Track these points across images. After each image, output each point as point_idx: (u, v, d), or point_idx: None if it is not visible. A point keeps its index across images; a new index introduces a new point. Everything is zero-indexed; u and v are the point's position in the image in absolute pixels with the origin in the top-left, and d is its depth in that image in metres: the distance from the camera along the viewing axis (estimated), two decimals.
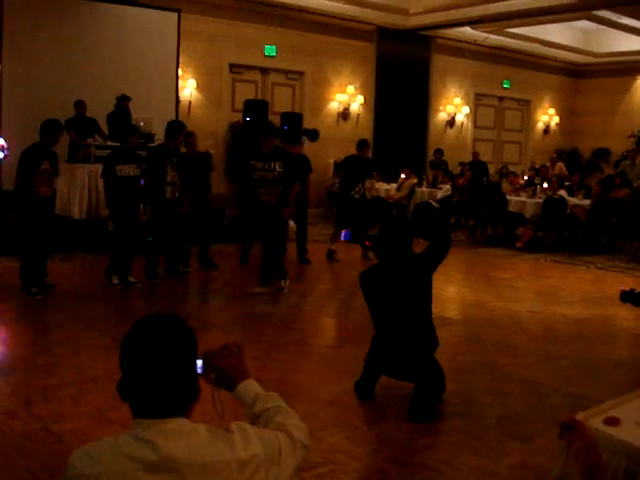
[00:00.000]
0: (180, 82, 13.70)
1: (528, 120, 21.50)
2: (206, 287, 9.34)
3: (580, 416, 2.64)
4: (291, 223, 10.90)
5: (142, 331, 1.87)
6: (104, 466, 1.76)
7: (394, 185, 15.44)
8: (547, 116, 21.74)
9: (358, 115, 16.87)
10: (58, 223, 8.59)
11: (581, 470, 2.49)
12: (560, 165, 17.34)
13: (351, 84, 16.67)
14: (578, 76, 22.15)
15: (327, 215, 14.84)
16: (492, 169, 18.34)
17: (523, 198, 13.62)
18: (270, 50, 15.26)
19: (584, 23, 17.79)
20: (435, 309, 5.01)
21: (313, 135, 14.28)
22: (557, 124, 21.91)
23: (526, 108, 21.45)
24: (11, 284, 8.01)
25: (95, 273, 8.79)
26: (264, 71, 15.53)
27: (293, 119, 14.81)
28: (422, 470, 3.95)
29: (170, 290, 8.77)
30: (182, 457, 1.76)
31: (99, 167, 10.40)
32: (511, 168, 17.20)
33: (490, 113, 20.64)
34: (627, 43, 18.75)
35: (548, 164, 16.77)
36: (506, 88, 20.52)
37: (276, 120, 14.69)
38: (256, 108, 14.25)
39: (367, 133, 16.64)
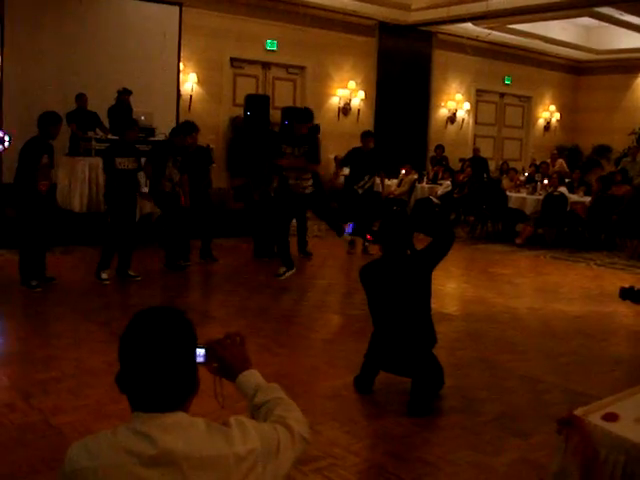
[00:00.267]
0: (181, 76, 13.69)
1: (529, 116, 21.48)
2: (206, 280, 9.35)
3: (579, 412, 2.64)
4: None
5: (141, 323, 1.87)
6: (102, 460, 1.76)
7: (395, 181, 15.43)
8: (548, 113, 21.72)
9: (359, 110, 16.86)
10: (58, 216, 8.58)
11: (579, 466, 2.50)
12: (561, 162, 17.32)
13: (352, 79, 16.66)
14: (579, 73, 22.12)
15: None
16: (492, 165, 18.34)
17: (523, 194, 13.62)
18: (271, 45, 15.24)
19: (586, 20, 17.77)
20: (435, 305, 5.02)
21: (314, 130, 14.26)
22: (558, 121, 21.89)
23: (527, 104, 21.43)
24: (11, 277, 8.03)
25: (94, 266, 8.77)
26: (265, 66, 15.51)
27: (294, 114, 14.78)
28: (420, 465, 3.96)
29: (170, 283, 8.78)
30: (180, 451, 1.76)
31: (99, 160, 10.44)
32: (511, 164, 17.17)
33: (491, 109, 20.62)
34: (629, 40, 18.71)
35: (549, 161, 16.76)
36: (507, 84, 20.49)
37: (277, 115, 14.72)
38: (257, 103, 14.26)
39: (368, 128, 16.54)
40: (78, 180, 10.59)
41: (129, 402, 1.86)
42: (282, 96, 15.63)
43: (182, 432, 1.80)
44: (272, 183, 10.39)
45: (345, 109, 16.69)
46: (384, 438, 4.31)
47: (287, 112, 14.73)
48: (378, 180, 11.29)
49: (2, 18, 11.52)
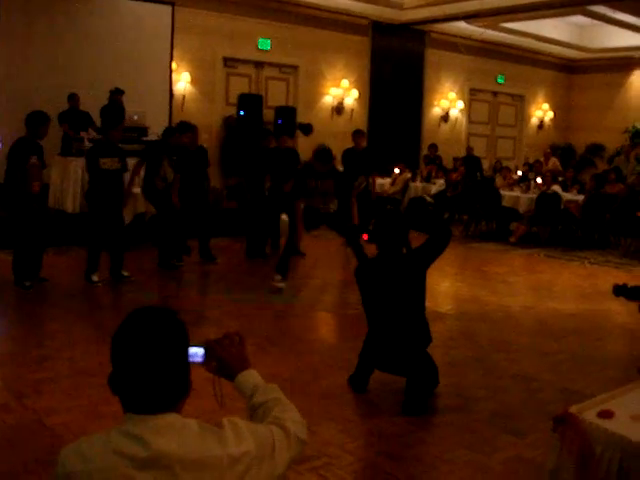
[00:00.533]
0: (174, 76, 13.65)
1: (522, 115, 21.50)
2: (201, 281, 9.33)
3: (574, 409, 2.64)
4: (283, 217, 10.90)
5: (133, 324, 1.85)
6: (95, 463, 1.75)
7: (388, 180, 15.44)
8: (541, 111, 21.74)
9: (352, 109, 16.84)
10: (51, 216, 8.54)
11: (575, 463, 2.50)
12: (554, 160, 17.34)
13: (345, 78, 16.64)
14: (572, 71, 22.16)
15: None
16: (486, 164, 18.35)
17: (517, 193, 13.64)
18: (264, 44, 15.22)
19: (578, 18, 17.81)
20: (429, 303, 5.01)
21: (307, 129, 14.29)
22: (551, 119, 21.92)
23: (520, 103, 21.45)
24: (4, 277, 8.00)
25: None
26: (258, 65, 15.49)
27: (287, 113, 14.81)
28: (415, 464, 3.96)
29: (164, 283, 8.77)
30: (173, 453, 1.74)
31: None
32: (505, 163, 17.21)
33: (484, 108, 20.63)
34: (621, 39, 18.75)
35: (542, 159, 16.77)
36: (500, 83, 20.51)
37: (270, 114, 14.71)
38: (250, 102, 14.26)
39: (361, 127, 16.50)
40: (70, 180, 10.55)
41: (121, 403, 1.84)
42: (275, 95, 15.61)
43: (175, 434, 1.78)
44: (265, 183, 10.40)
45: (338, 108, 16.67)
46: (379, 437, 4.30)
47: (280, 111, 14.75)
48: (371, 180, 11.27)
49: None
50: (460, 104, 19.25)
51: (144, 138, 11.12)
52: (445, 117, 19.06)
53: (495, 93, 20.72)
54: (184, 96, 14.16)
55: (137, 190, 9.41)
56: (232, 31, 14.57)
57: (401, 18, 16.77)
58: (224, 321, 6.93)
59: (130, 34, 12.64)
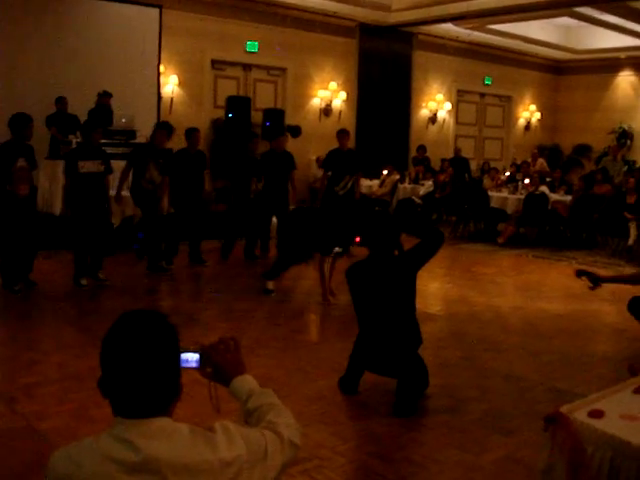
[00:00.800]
0: (162, 78, 13.64)
1: (509, 116, 21.58)
2: (190, 283, 9.31)
3: (564, 409, 2.66)
4: (273, 219, 10.92)
5: (123, 327, 1.84)
6: (85, 467, 1.74)
7: (376, 181, 15.46)
8: (528, 112, 21.83)
9: (340, 111, 16.87)
10: (39, 220, 8.49)
11: (566, 462, 2.51)
12: (541, 161, 17.42)
13: (333, 80, 16.67)
14: (559, 73, 22.26)
15: None
16: (474, 165, 18.40)
17: (505, 194, 13.69)
18: (252, 46, 15.22)
19: (565, 20, 17.88)
20: (418, 304, 5.02)
21: (295, 131, 14.29)
22: (538, 120, 22.01)
23: (507, 104, 21.53)
24: None
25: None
26: (246, 67, 15.49)
27: (275, 115, 14.82)
28: (407, 465, 3.97)
29: (153, 286, 8.75)
30: (164, 458, 1.74)
31: None
32: (492, 164, 17.26)
33: (472, 109, 20.70)
34: (608, 40, 18.86)
35: (529, 160, 16.84)
36: (487, 84, 20.58)
37: (258, 116, 14.71)
38: (238, 104, 14.26)
39: (349, 129, 16.41)
40: (59, 183, 10.49)
41: (111, 407, 1.83)
42: (263, 98, 15.61)
43: (165, 438, 1.77)
44: (251, 186, 10.41)
45: (326, 110, 16.69)
46: (370, 439, 4.31)
47: (268, 113, 14.75)
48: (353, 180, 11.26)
49: None
50: (448, 105, 19.30)
51: (132, 141, 11.10)
52: (433, 118, 19.11)
53: (482, 94, 20.80)
54: (172, 99, 14.15)
55: (126, 193, 9.38)
56: (220, 33, 14.57)
57: (388, 20, 16.80)
58: (214, 323, 6.92)
59: (118, 37, 12.62)
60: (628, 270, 9.51)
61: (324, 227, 7.88)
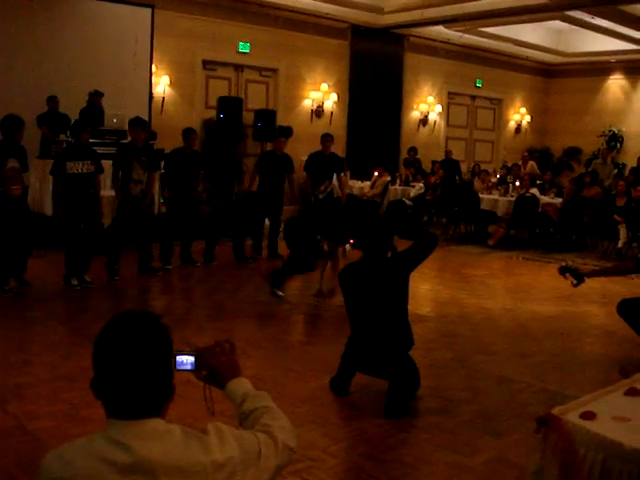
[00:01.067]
0: (153, 78, 13.60)
1: (500, 119, 21.65)
2: (182, 284, 9.29)
3: (556, 411, 2.67)
4: (266, 220, 10.95)
5: (115, 328, 1.84)
6: (78, 469, 1.73)
7: (367, 183, 15.48)
8: (519, 115, 21.90)
9: (332, 113, 16.88)
10: (32, 220, 8.46)
11: (558, 464, 2.52)
12: (532, 164, 17.48)
13: (325, 82, 16.68)
14: (550, 75, 22.34)
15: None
16: (464, 167, 18.45)
17: (495, 196, 13.74)
18: (244, 47, 15.22)
19: (557, 23, 17.95)
20: (409, 306, 5.03)
21: (286, 132, 14.28)
22: (529, 123, 22.09)
23: (498, 107, 21.60)
24: None
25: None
26: (238, 68, 15.49)
27: (267, 116, 14.82)
28: (398, 466, 3.98)
29: (144, 287, 8.74)
30: (156, 459, 1.73)
31: None
32: (483, 166, 17.27)
33: (463, 112, 20.75)
34: (598, 43, 18.94)
35: (520, 163, 16.90)
36: (478, 87, 20.64)
37: (250, 117, 14.71)
38: (230, 105, 14.24)
39: (341, 131, 16.69)
40: (49, 183, 10.46)
41: (104, 408, 1.83)
42: (255, 98, 15.60)
43: (158, 440, 1.77)
44: (233, 187, 10.41)
45: (318, 111, 16.70)
46: (361, 439, 4.32)
47: (260, 114, 14.75)
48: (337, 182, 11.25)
49: None
50: (439, 108, 19.35)
51: (123, 141, 11.06)
52: (424, 120, 19.15)
53: (473, 97, 20.86)
54: (164, 99, 14.12)
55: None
56: (212, 34, 14.56)
57: (380, 22, 16.83)
58: (205, 324, 6.92)
59: (110, 37, 12.58)
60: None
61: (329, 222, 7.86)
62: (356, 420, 4.64)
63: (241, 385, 2.17)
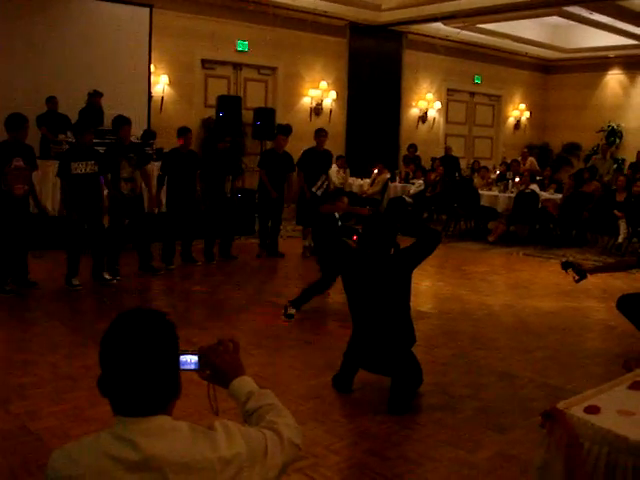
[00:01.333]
0: (152, 78, 13.60)
1: (499, 115, 21.64)
2: (182, 283, 9.29)
3: (561, 405, 2.67)
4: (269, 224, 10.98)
5: (122, 325, 1.84)
6: (85, 467, 1.74)
7: (367, 180, 15.48)
8: (518, 111, 21.89)
9: (331, 110, 16.88)
10: (36, 220, 8.49)
11: (563, 458, 2.53)
12: (531, 160, 17.48)
13: (323, 79, 16.68)
14: (548, 71, 22.34)
15: None
16: (464, 164, 18.45)
17: (495, 192, 13.74)
18: (242, 45, 15.22)
19: (555, 19, 17.93)
20: (410, 303, 5.03)
21: (285, 130, 14.27)
22: (528, 119, 22.08)
23: (497, 103, 21.59)
24: None
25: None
26: (236, 66, 15.48)
27: (266, 114, 14.81)
28: (401, 462, 3.98)
29: (146, 287, 8.74)
30: (164, 456, 1.74)
31: None
32: (482, 163, 17.29)
33: (461, 108, 20.75)
34: (597, 38, 18.92)
35: (519, 159, 16.89)
36: (477, 83, 20.64)
37: (249, 115, 14.70)
38: (229, 104, 14.24)
39: (340, 128, 16.71)
40: (49, 183, 10.48)
41: (111, 406, 1.83)
42: (254, 97, 15.61)
43: (165, 437, 1.78)
44: (224, 185, 10.40)
45: (317, 109, 16.71)
46: (365, 436, 4.32)
47: (259, 113, 14.74)
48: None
49: None
50: (437, 104, 19.34)
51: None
52: (423, 117, 19.15)
53: (472, 93, 20.85)
54: (163, 98, 14.13)
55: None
56: (210, 33, 14.56)
57: (379, 19, 16.83)
58: (207, 323, 6.92)
59: (108, 37, 12.57)
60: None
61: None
62: (359, 417, 4.64)
63: (245, 383, 2.17)
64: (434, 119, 19.43)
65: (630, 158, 18.08)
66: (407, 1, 15.98)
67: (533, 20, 18.25)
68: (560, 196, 13.29)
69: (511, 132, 21.91)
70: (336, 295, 7.84)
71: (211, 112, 14.48)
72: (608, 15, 15.89)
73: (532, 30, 19.25)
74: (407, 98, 18.77)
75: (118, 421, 1.80)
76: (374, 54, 17.56)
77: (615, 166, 17.18)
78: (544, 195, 13.31)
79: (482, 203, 13.46)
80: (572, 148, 21.17)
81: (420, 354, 5.16)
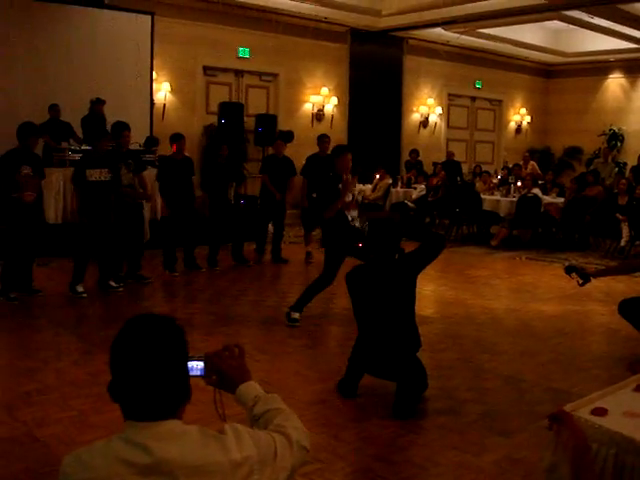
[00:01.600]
0: (154, 85, 13.65)
1: (500, 120, 21.68)
2: (186, 289, 9.30)
3: (568, 407, 2.68)
4: (270, 226, 10.99)
5: (132, 331, 1.85)
6: (97, 471, 1.75)
7: (369, 186, 15.49)
8: (519, 116, 21.93)
9: (332, 116, 16.93)
10: (44, 227, 8.54)
11: (570, 460, 2.54)
12: (533, 164, 17.47)
13: (325, 85, 16.73)
14: (549, 76, 22.38)
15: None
16: (465, 169, 18.47)
17: (497, 197, 13.75)
18: (244, 52, 15.27)
19: (555, 23, 17.99)
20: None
21: (287, 137, 14.31)
22: (529, 123, 22.12)
23: (498, 108, 21.63)
24: None
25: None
26: (238, 73, 15.53)
27: (268, 121, 14.85)
28: (407, 467, 3.99)
29: (148, 293, 8.75)
30: (175, 459, 1.75)
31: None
32: (484, 168, 17.31)
33: (463, 113, 20.79)
34: (597, 42, 18.99)
35: (521, 163, 16.91)
36: (478, 88, 20.68)
37: (251, 122, 14.74)
38: (231, 110, 14.28)
39: (341, 134, 16.73)
40: (52, 191, 10.50)
41: (122, 411, 1.84)
42: (255, 103, 15.66)
43: (176, 440, 1.79)
44: (228, 192, 10.43)
45: (319, 115, 16.76)
46: (370, 441, 4.32)
47: (261, 119, 14.78)
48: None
49: None
50: (439, 109, 19.39)
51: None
52: (424, 122, 19.19)
53: (473, 98, 20.89)
54: (165, 105, 14.18)
55: None
56: (212, 40, 14.61)
57: (379, 25, 16.88)
58: (211, 328, 6.92)
59: (110, 44, 12.63)
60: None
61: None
62: (364, 422, 4.64)
63: (252, 389, 2.19)
64: (435, 124, 19.47)
65: (632, 161, 18.07)
66: (407, 7, 16.01)
67: (534, 24, 18.33)
68: (562, 200, 13.29)
69: (512, 136, 21.95)
70: (340, 300, 7.86)
71: (213, 119, 14.52)
72: (608, 19, 15.92)
73: (533, 34, 19.31)
74: (408, 103, 18.81)
75: (129, 426, 1.82)
76: (375, 60, 17.60)
77: (617, 170, 17.17)
78: (546, 199, 13.31)
79: (484, 207, 13.46)
80: (573, 152, 21.19)
81: (425, 358, 5.16)
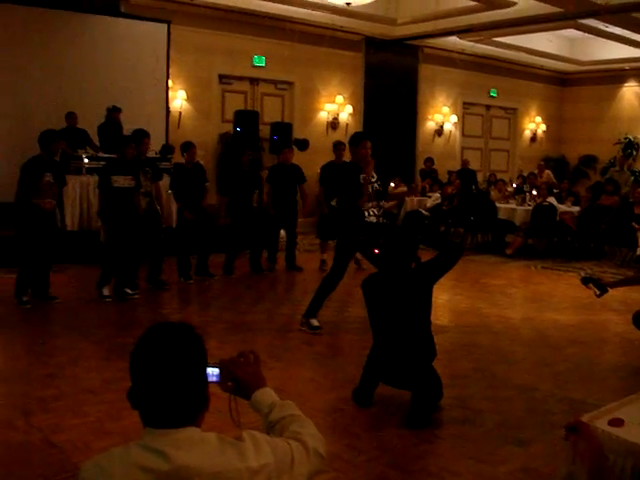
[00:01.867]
0: (170, 93, 13.71)
1: (515, 128, 21.64)
2: (200, 297, 9.33)
3: (585, 418, 2.68)
4: (282, 232, 10.99)
5: (152, 339, 1.87)
6: (116, 477, 1.76)
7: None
8: (534, 124, 21.88)
9: (347, 124, 16.93)
10: (62, 234, 8.62)
11: (587, 471, 2.53)
12: (548, 173, 17.44)
13: (340, 94, 16.75)
14: (565, 84, 22.32)
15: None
16: (480, 177, 18.44)
17: (512, 205, 13.70)
18: (259, 60, 15.32)
19: (571, 32, 17.95)
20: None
21: (303, 145, 14.34)
22: (544, 132, 22.06)
23: (513, 116, 21.59)
24: (5, 296, 8.02)
25: (88, 284, 8.77)
26: (253, 81, 15.58)
27: (283, 129, 14.88)
28: (423, 476, 3.98)
29: (163, 300, 8.78)
30: (193, 466, 1.76)
31: (90, 178, 10.48)
32: (499, 176, 17.27)
33: (478, 121, 20.76)
34: (613, 51, 18.94)
35: (536, 171, 16.87)
36: (493, 97, 20.65)
37: (266, 130, 14.77)
38: (246, 118, 14.31)
39: None
40: (69, 198, 10.57)
41: (141, 418, 1.86)
42: (271, 111, 15.69)
43: (195, 447, 1.80)
44: (252, 199, 10.46)
45: (333, 124, 16.77)
46: (385, 450, 4.31)
47: (276, 127, 14.81)
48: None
49: None
50: (454, 118, 19.37)
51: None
52: (439, 131, 19.18)
53: (488, 106, 20.86)
54: (180, 113, 14.24)
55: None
56: (227, 48, 14.67)
57: (394, 33, 16.90)
58: (226, 336, 6.93)
59: (126, 52, 12.71)
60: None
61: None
62: (379, 431, 4.63)
63: (267, 395, 2.20)
64: (450, 132, 19.45)
65: None
66: (423, 15, 16.04)
67: (549, 33, 18.30)
68: (578, 209, 13.24)
69: (527, 145, 21.89)
70: (355, 308, 7.86)
71: (228, 127, 14.56)
72: (623, 27, 15.88)
73: (548, 43, 19.26)
74: (423, 112, 18.81)
75: (148, 432, 1.83)
76: (390, 68, 17.61)
77: (632, 178, 17.12)
78: (562, 208, 13.26)
79: (499, 216, 13.43)
80: (589, 161, 21.12)
81: (440, 368, 5.15)
